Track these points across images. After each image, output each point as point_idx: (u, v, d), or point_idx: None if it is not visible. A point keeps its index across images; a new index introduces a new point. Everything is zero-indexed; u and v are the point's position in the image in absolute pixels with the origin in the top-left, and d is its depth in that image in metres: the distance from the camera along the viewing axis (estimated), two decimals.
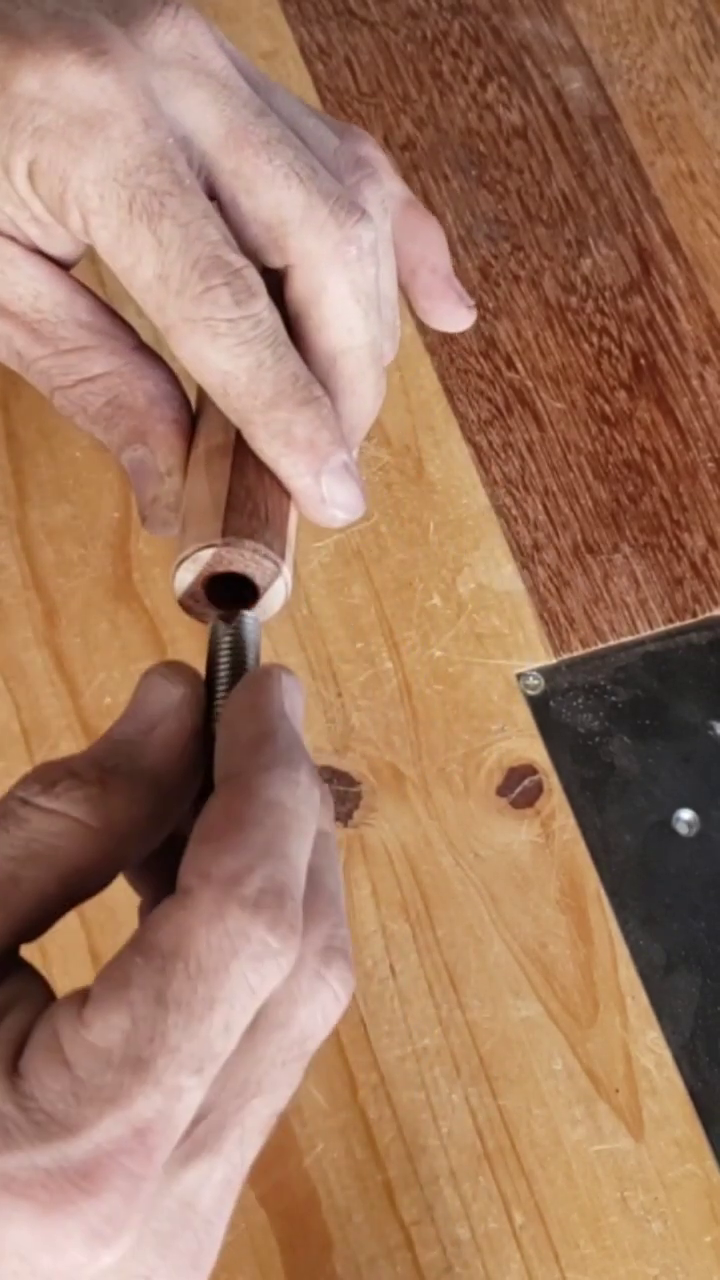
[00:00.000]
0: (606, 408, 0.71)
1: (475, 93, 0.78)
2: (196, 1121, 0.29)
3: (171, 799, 0.33)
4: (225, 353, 0.36)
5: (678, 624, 0.66)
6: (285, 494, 0.38)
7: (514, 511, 0.68)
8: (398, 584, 0.66)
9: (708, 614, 0.67)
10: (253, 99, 0.38)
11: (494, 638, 0.65)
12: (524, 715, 0.64)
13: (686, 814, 0.63)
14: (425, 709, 0.63)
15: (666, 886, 0.61)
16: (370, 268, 0.38)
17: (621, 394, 0.71)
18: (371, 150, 0.43)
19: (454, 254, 0.74)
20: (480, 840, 0.61)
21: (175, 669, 0.34)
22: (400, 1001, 0.59)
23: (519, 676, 0.64)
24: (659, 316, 0.73)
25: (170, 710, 0.33)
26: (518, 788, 0.62)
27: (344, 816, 0.61)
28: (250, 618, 0.36)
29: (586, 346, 0.72)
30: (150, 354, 0.40)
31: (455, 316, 0.42)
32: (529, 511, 0.68)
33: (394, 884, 0.60)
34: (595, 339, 0.72)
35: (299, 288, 0.38)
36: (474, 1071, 0.58)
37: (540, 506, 0.68)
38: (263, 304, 0.36)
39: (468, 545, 0.67)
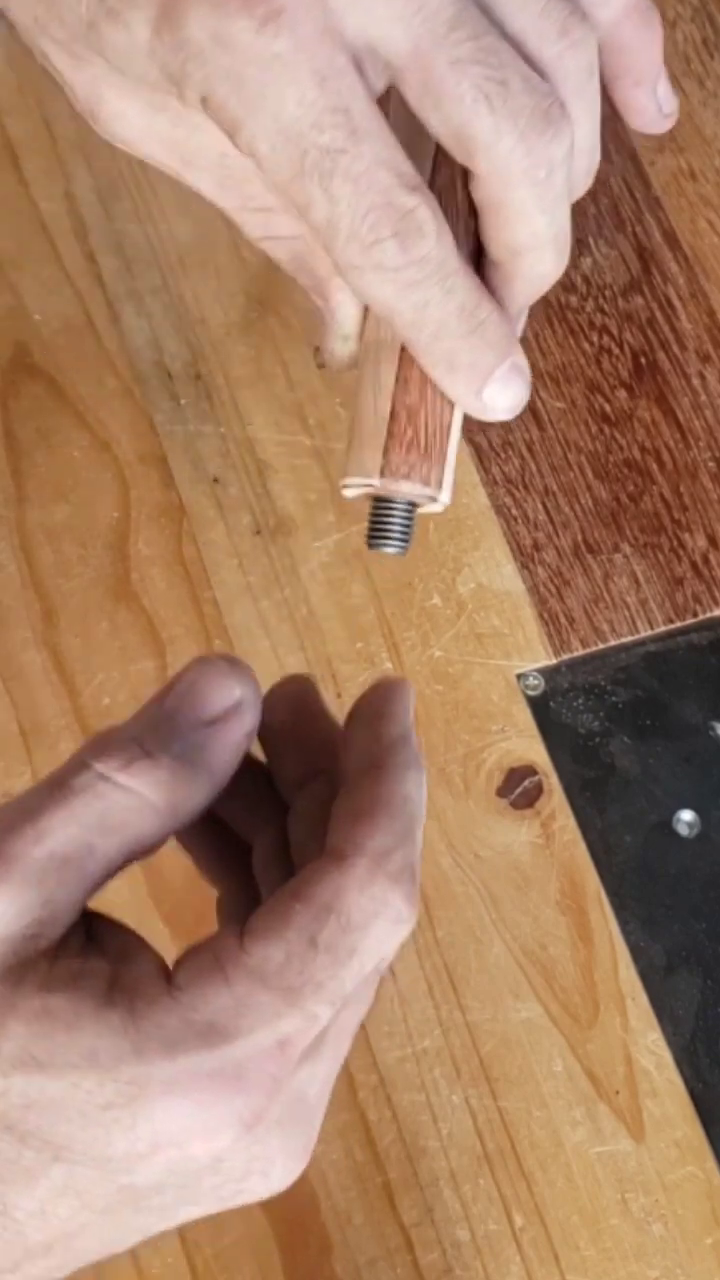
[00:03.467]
0: (607, 407, 0.71)
1: None
2: None
3: (220, 788, 0.36)
4: (391, 294, 0.36)
5: (678, 624, 0.66)
6: (449, 402, 0.40)
7: (514, 511, 0.68)
8: (398, 584, 0.66)
9: (708, 614, 0.66)
10: (445, 6, 0.36)
11: (494, 638, 0.65)
12: (524, 715, 0.64)
13: (687, 814, 0.63)
14: (425, 709, 0.63)
15: (667, 887, 0.61)
16: (560, 178, 0.38)
17: (622, 393, 0.71)
18: None
19: None
20: (480, 841, 0.61)
21: (238, 667, 0.36)
22: (400, 1003, 0.59)
23: (519, 676, 0.64)
24: (659, 315, 0.73)
25: (233, 712, 0.36)
26: (518, 788, 0.62)
27: None
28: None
29: (586, 345, 0.72)
30: None
31: (652, 126, 0.42)
32: (529, 511, 0.68)
33: None
34: (595, 338, 0.72)
35: (484, 192, 0.38)
36: (474, 1073, 0.58)
37: (540, 506, 0.68)
38: (431, 243, 0.36)
39: (468, 545, 0.67)
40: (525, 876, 0.61)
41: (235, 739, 0.36)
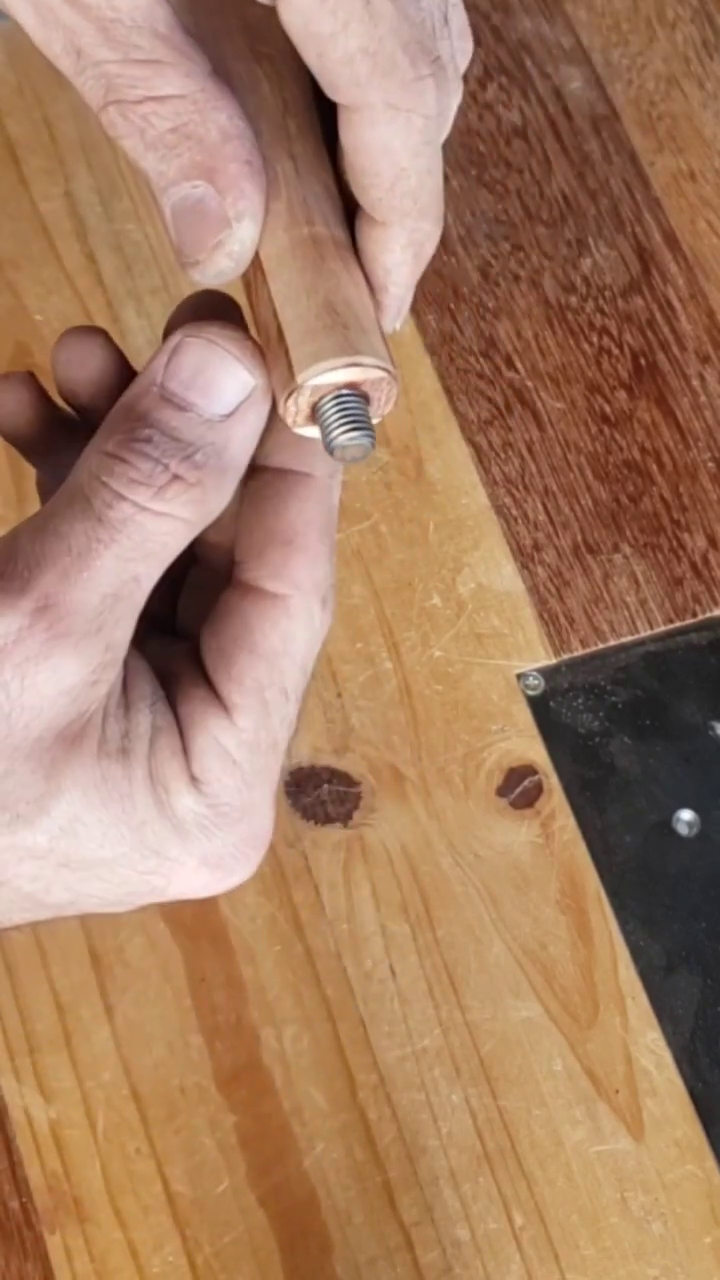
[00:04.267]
0: (606, 408, 0.71)
1: (475, 92, 0.78)
2: None
3: (242, 475, 0.35)
4: (412, 149, 0.34)
5: (678, 624, 0.66)
6: (371, 300, 0.37)
7: (514, 511, 0.68)
8: (398, 584, 0.66)
9: (708, 614, 0.67)
10: None
11: (494, 638, 0.65)
12: (524, 715, 0.64)
13: (687, 814, 0.63)
14: (425, 709, 0.63)
15: (666, 887, 0.61)
16: (434, 129, 0.36)
17: (621, 394, 0.71)
18: None
19: (454, 254, 0.74)
20: (480, 841, 0.61)
21: (245, 347, 0.35)
22: (400, 1002, 0.59)
23: (519, 676, 0.64)
24: (659, 316, 0.73)
25: (248, 403, 0.35)
26: (518, 788, 0.62)
27: (344, 817, 0.61)
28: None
29: (586, 346, 0.72)
30: (224, 85, 0.36)
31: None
32: (529, 511, 0.68)
33: (394, 884, 0.60)
34: (595, 339, 0.72)
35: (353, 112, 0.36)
36: (474, 1072, 0.58)
37: (540, 506, 0.68)
38: (455, 105, 0.35)
39: (468, 545, 0.67)
40: (525, 876, 0.61)
41: (253, 430, 0.35)
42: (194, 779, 0.36)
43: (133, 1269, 0.55)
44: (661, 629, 0.66)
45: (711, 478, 0.69)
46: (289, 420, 0.35)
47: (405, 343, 0.71)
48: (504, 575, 0.66)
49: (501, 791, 0.62)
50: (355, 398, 0.35)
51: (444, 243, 0.74)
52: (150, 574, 0.35)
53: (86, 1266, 0.55)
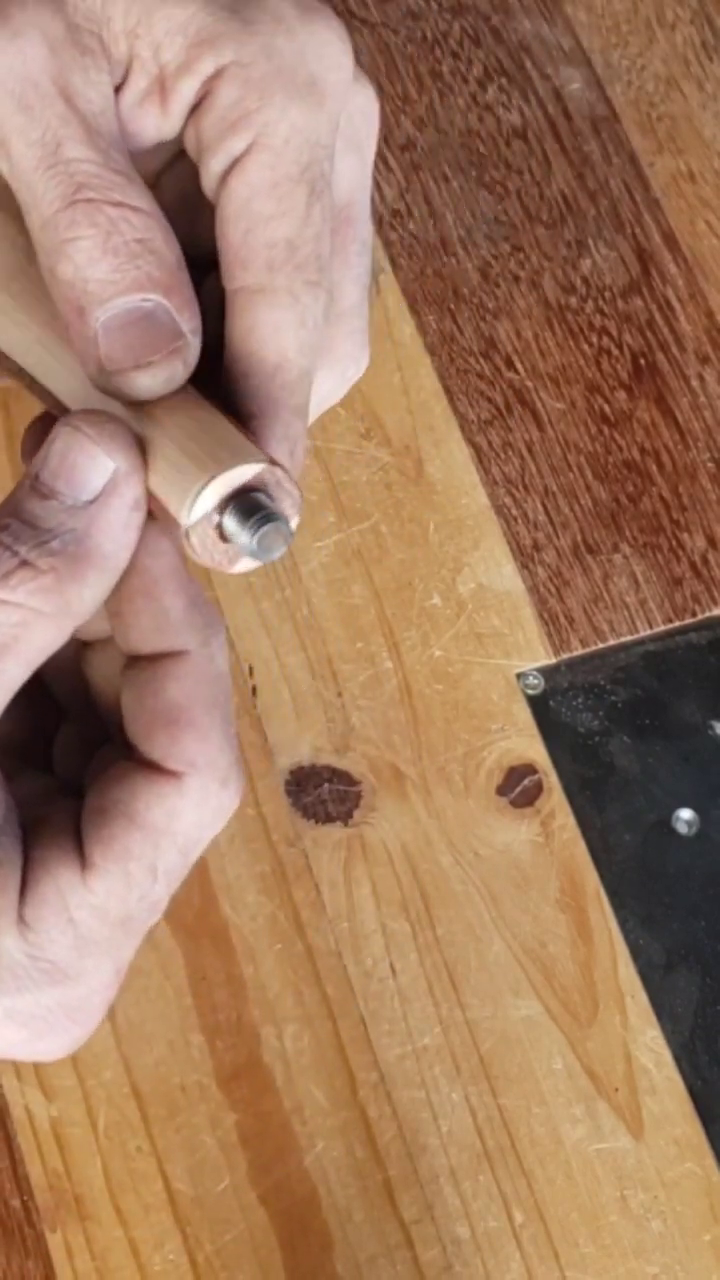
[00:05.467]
0: (606, 408, 0.71)
1: (475, 93, 0.78)
2: None
3: (118, 573, 0.33)
4: (298, 342, 0.35)
5: (677, 624, 0.66)
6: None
7: (514, 511, 0.68)
8: (398, 584, 0.66)
9: (707, 614, 0.67)
10: (369, 192, 0.39)
11: (494, 637, 0.65)
12: (524, 715, 0.64)
13: (686, 813, 0.63)
14: (425, 709, 0.63)
15: (666, 886, 0.62)
16: (338, 394, 0.38)
17: (621, 394, 0.71)
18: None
19: (454, 254, 0.74)
20: (480, 839, 0.61)
21: (104, 431, 0.33)
22: (400, 1000, 0.59)
23: (519, 676, 0.64)
24: (658, 317, 0.73)
25: (111, 486, 0.33)
26: (518, 787, 0.62)
27: (344, 816, 0.61)
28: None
29: (586, 347, 0.72)
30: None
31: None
32: (529, 511, 0.68)
33: (394, 883, 0.60)
34: (595, 339, 0.72)
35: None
36: (474, 1070, 0.58)
37: (540, 506, 0.68)
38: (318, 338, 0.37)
39: (468, 545, 0.67)
40: (525, 875, 0.61)
41: (120, 516, 0.33)
42: (22, 921, 0.33)
43: (133, 1267, 0.55)
44: (661, 629, 0.66)
45: (711, 478, 0.70)
46: (210, 560, 0.33)
47: (405, 343, 0.71)
48: (504, 575, 0.66)
49: (501, 790, 0.62)
50: (248, 500, 0.33)
51: (444, 243, 0.74)
52: (6, 668, 0.32)
53: (87, 1264, 0.55)
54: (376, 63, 0.79)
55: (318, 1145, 0.57)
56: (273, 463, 0.33)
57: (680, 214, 0.76)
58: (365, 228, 0.39)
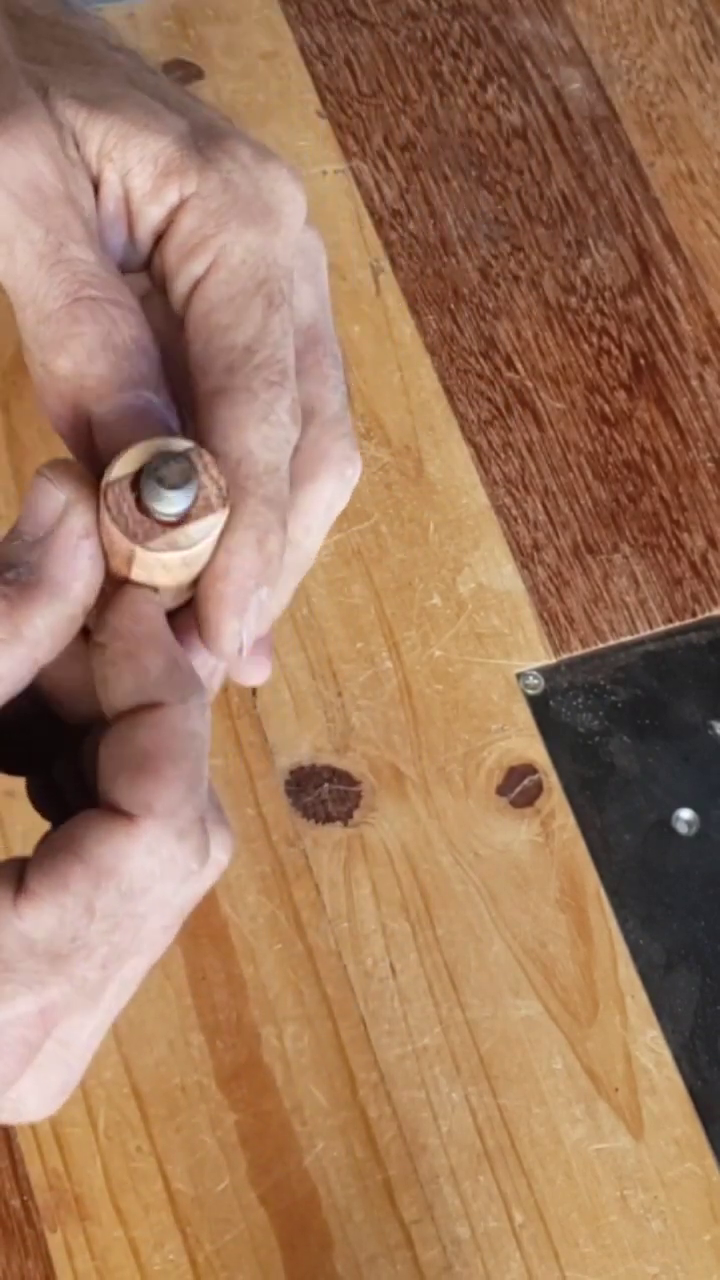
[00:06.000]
0: (606, 408, 0.71)
1: (475, 93, 0.78)
2: None
3: (75, 603, 0.34)
4: (261, 436, 0.36)
5: (677, 624, 0.66)
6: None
7: (514, 511, 0.68)
8: (398, 584, 0.66)
9: (707, 614, 0.67)
10: (330, 317, 0.41)
11: (494, 637, 0.65)
12: (524, 715, 0.64)
13: (686, 813, 0.63)
14: (425, 709, 0.63)
15: (666, 886, 0.62)
16: (344, 498, 0.39)
17: (621, 394, 0.71)
18: None
19: (454, 254, 0.74)
20: (480, 840, 0.61)
21: (60, 470, 0.34)
22: (400, 1000, 0.59)
23: (519, 676, 0.64)
24: (658, 317, 0.73)
25: (62, 518, 0.34)
26: (517, 787, 0.63)
27: (344, 816, 0.61)
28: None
29: (586, 347, 0.72)
30: None
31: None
32: (529, 511, 0.68)
33: (394, 883, 0.60)
34: (595, 339, 0.72)
35: (291, 468, 0.38)
36: (474, 1070, 0.58)
37: (540, 506, 0.68)
38: (298, 433, 0.37)
39: (468, 545, 0.67)
40: (525, 875, 0.61)
41: (68, 545, 0.34)
42: None
43: (133, 1267, 0.55)
44: (661, 629, 0.66)
45: (711, 478, 0.70)
46: (125, 529, 0.34)
47: (405, 343, 0.71)
48: (504, 575, 0.66)
49: (501, 790, 0.62)
50: (166, 469, 0.34)
51: (444, 243, 0.74)
52: None
53: (87, 1264, 0.55)
54: (376, 63, 0.79)
55: (318, 1145, 0.57)
56: (200, 449, 0.34)
57: (680, 214, 0.76)
58: (333, 345, 0.40)
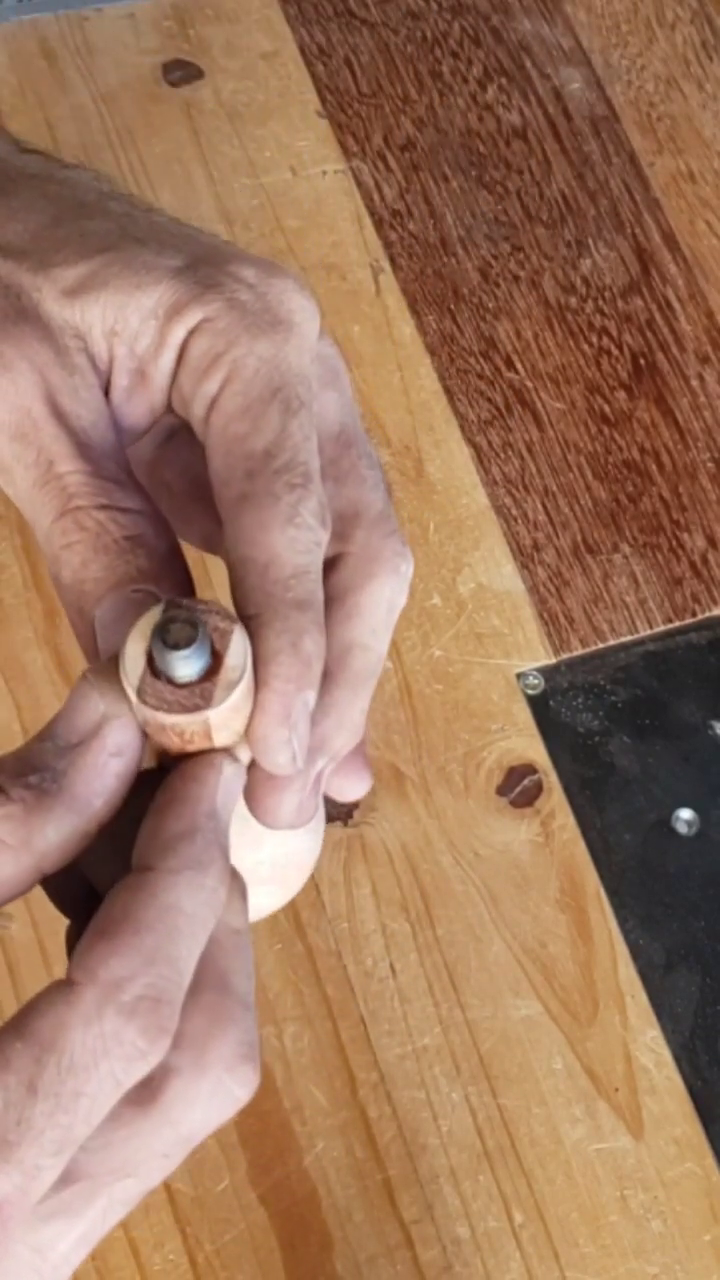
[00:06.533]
0: (606, 408, 0.71)
1: (475, 93, 0.78)
2: (65, 1183, 0.31)
3: (93, 819, 0.33)
4: (288, 538, 0.35)
5: (677, 624, 0.66)
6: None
7: (514, 511, 0.68)
8: None
9: (707, 614, 0.67)
10: (359, 420, 0.41)
11: (494, 637, 0.65)
12: (524, 715, 0.64)
13: (686, 813, 0.63)
14: (425, 709, 0.63)
15: (666, 886, 0.62)
16: (403, 594, 0.39)
17: (621, 394, 0.71)
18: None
19: (454, 254, 0.74)
20: (480, 839, 0.61)
21: (105, 678, 0.33)
22: (400, 1000, 0.59)
23: (519, 676, 0.65)
24: (658, 317, 0.73)
25: (97, 731, 0.33)
26: (517, 787, 0.63)
27: (344, 816, 0.61)
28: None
29: (586, 347, 0.72)
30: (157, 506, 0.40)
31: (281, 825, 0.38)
32: (529, 511, 0.68)
33: (394, 883, 0.60)
34: (595, 339, 0.72)
35: (346, 574, 0.38)
36: (474, 1070, 0.58)
37: (540, 506, 0.68)
38: (327, 535, 0.37)
39: (468, 545, 0.67)
40: (525, 875, 0.61)
41: (96, 761, 0.33)
42: None
43: (133, 1267, 0.55)
44: (661, 629, 0.66)
45: (711, 478, 0.70)
46: (170, 716, 0.32)
47: (405, 343, 0.71)
48: (504, 575, 0.66)
49: (501, 790, 0.62)
50: (166, 629, 0.32)
51: (444, 243, 0.74)
52: None
53: (87, 1264, 0.55)
54: (376, 63, 0.79)
55: (318, 1145, 0.57)
56: (178, 601, 0.33)
57: (680, 214, 0.76)
58: (366, 446, 0.41)
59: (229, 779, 0.34)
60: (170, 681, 0.32)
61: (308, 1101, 0.57)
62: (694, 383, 0.72)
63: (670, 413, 0.71)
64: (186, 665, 0.32)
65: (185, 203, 0.73)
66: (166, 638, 0.32)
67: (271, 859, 0.40)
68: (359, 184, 0.75)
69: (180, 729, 0.33)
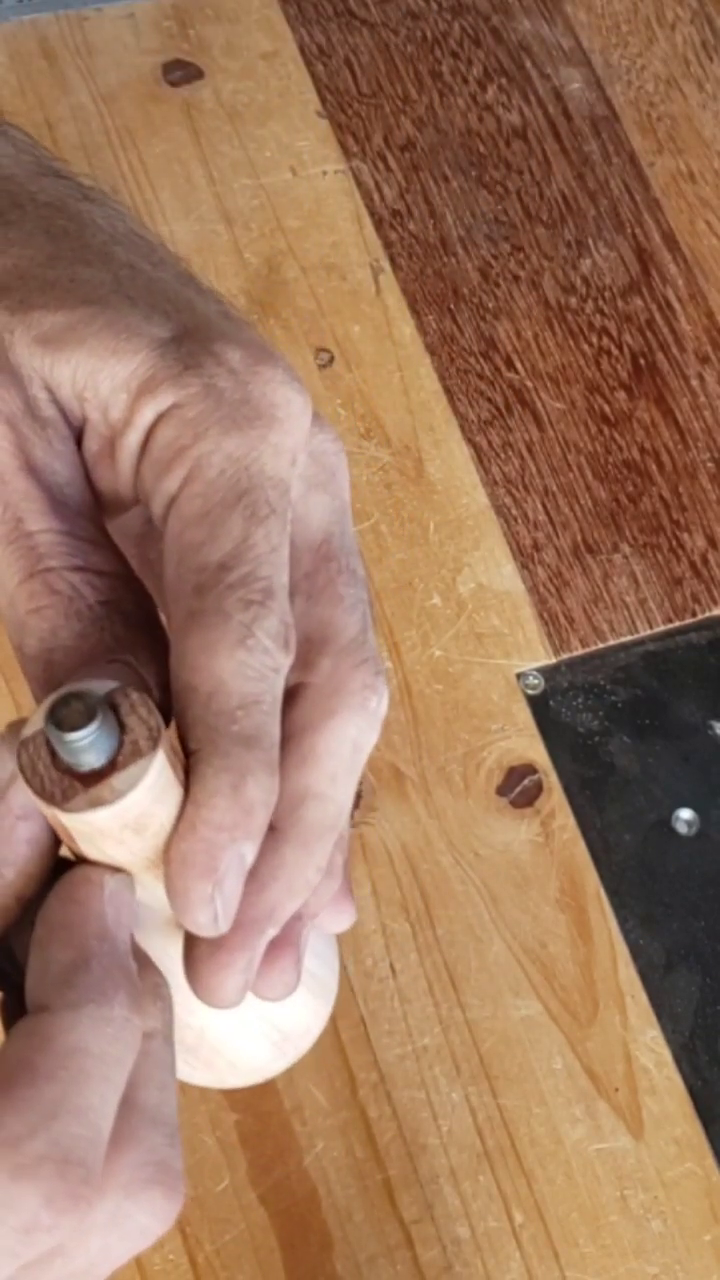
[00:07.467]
0: (606, 408, 0.71)
1: (475, 93, 0.78)
2: None
3: (6, 891, 0.31)
4: (236, 663, 0.31)
5: (677, 624, 0.66)
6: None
7: (514, 511, 0.68)
8: (398, 584, 0.66)
9: (707, 614, 0.67)
10: (350, 527, 0.37)
11: (494, 637, 0.65)
12: (524, 715, 0.64)
13: (686, 813, 0.63)
14: (425, 709, 0.63)
15: (666, 886, 0.62)
16: (373, 733, 0.35)
17: (621, 394, 0.71)
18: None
19: (454, 254, 0.74)
20: (480, 839, 0.61)
21: (15, 736, 0.30)
22: (400, 1000, 0.59)
23: (519, 676, 0.65)
24: (658, 317, 0.73)
25: (1, 790, 0.30)
26: (517, 787, 0.63)
27: None
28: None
29: (586, 347, 0.72)
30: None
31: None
32: (529, 511, 0.68)
33: (394, 883, 0.60)
34: (595, 339, 0.72)
35: (305, 708, 0.34)
36: (474, 1070, 0.58)
37: (540, 506, 0.68)
38: (288, 661, 0.33)
39: (468, 545, 0.67)
40: (525, 875, 0.61)
41: (4, 824, 0.30)
42: None
43: (133, 1267, 0.55)
44: (661, 628, 0.66)
45: (711, 478, 0.70)
46: (42, 788, 0.29)
47: (405, 343, 0.71)
48: (504, 575, 0.66)
49: (501, 790, 0.62)
50: (74, 709, 0.29)
51: (444, 243, 0.74)
52: None
53: None
54: (376, 63, 0.79)
55: (318, 1145, 0.57)
56: (128, 688, 0.30)
57: (680, 214, 0.76)
58: (351, 559, 0.37)
59: (116, 893, 0.30)
60: (69, 770, 0.29)
61: (308, 1101, 0.57)
62: (694, 383, 0.72)
63: (670, 413, 0.71)
64: (71, 751, 0.28)
65: (185, 203, 0.73)
66: (60, 712, 0.28)
67: (270, 1021, 0.36)
68: (359, 184, 0.75)
69: (56, 822, 0.29)
